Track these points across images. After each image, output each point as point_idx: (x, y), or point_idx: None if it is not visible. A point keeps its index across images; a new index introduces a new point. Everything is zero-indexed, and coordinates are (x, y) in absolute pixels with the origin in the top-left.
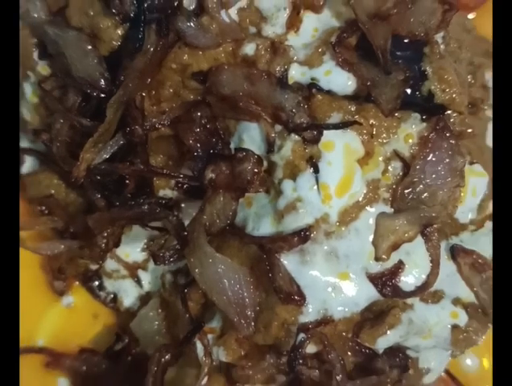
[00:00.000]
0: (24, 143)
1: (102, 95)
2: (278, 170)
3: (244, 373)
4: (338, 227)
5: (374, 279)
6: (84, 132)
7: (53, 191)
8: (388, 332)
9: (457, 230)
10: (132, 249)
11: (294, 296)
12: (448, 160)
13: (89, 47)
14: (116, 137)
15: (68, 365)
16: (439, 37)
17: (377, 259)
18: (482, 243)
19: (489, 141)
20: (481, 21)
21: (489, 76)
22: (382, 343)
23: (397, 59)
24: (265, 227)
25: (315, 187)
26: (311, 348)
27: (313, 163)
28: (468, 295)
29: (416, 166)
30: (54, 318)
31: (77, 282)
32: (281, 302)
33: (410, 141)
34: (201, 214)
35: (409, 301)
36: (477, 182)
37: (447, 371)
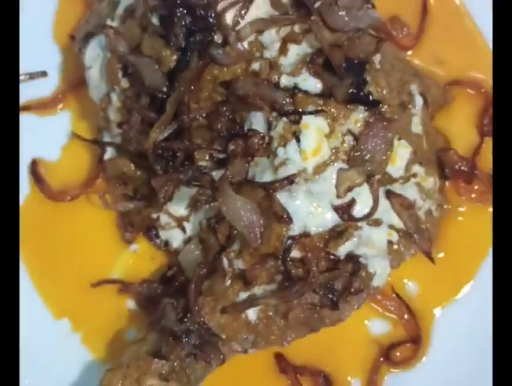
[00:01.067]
0: (107, 138)
1: (164, 96)
2: (274, 141)
3: (254, 273)
4: (313, 176)
5: (337, 209)
6: (150, 122)
7: (126, 170)
8: (346, 243)
9: (391, 182)
10: (179, 207)
11: (284, 218)
12: (381, 134)
13: (156, 67)
14: (172, 123)
15: (134, 290)
16: (376, 59)
17: (338, 196)
18: (408, 191)
19: (414, 127)
20: (415, 55)
21: (413, 87)
22: (342, 250)
23: (348, 71)
24: (266, 178)
25: (298, 151)
26: (296, 253)
27: (296, 136)
28: (398, 223)
29: (362, 139)
30: (124, 260)
31: (141, 234)
32: (277, 221)
33: (358, 124)
34: (226, 171)
35: (359, 224)
36: (403, 152)
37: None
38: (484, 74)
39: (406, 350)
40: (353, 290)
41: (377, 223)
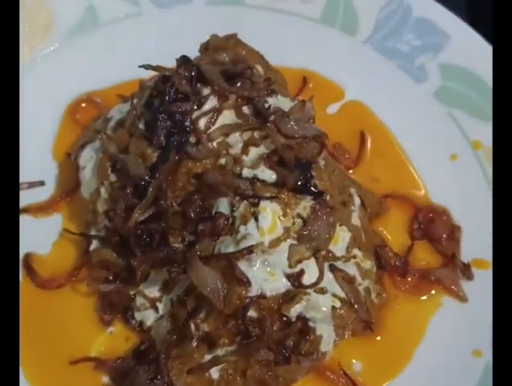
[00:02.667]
0: (93, 232)
1: (145, 184)
2: (236, 220)
3: (217, 333)
4: (268, 249)
5: (288, 277)
6: (133, 209)
7: (108, 257)
8: (296, 305)
9: (335, 259)
10: (153, 289)
11: (244, 281)
12: (325, 218)
13: (140, 161)
14: (151, 207)
15: (109, 366)
16: (321, 162)
17: (289, 267)
18: (349, 268)
19: (353, 220)
20: (353, 174)
21: (353, 190)
22: (293, 312)
23: (297, 167)
24: (229, 250)
25: (256, 228)
26: (253, 313)
27: (255, 216)
28: (340, 293)
29: (309, 221)
30: (101, 341)
31: (118, 317)
32: (237, 285)
33: (306, 210)
34: (196, 247)
35: (308, 291)
36: (344, 235)
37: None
38: (410, 190)
39: None
40: (303, 352)
41: (322, 291)
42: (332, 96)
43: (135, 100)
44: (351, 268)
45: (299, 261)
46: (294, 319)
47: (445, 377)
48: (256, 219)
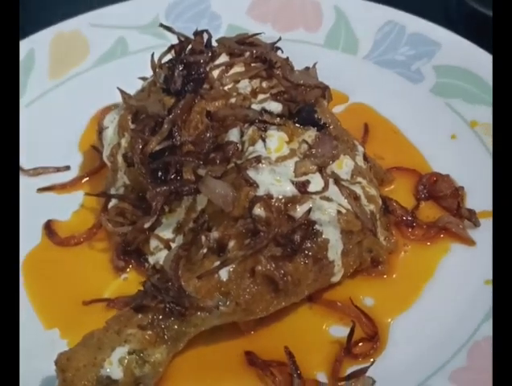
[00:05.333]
0: (113, 192)
1: (162, 120)
2: (245, 144)
3: (227, 235)
4: (275, 162)
5: (296, 185)
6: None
7: (125, 208)
8: (303, 205)
9: (338, 179)
10: (167, 232)
11: (251, 182)
12: (329, 141)
13: (159, 102)
14: (166, 141)
15: (121, 302)
16: (324, 103)
17: (295, 177)
18: (354, 188)
19: (358, 161)
20: None
21: (356, 142)
22: (300, 211)
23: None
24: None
25: (264, 148)
26: (261, 213)
27: (263, 138)
28: (346, 205)
29: (314, 145)
30: (115, 286)
31: (131, 262)
32: (245, 185)
33: (311, 138)
34: (207, 170)
35: (313, 196)
36: (348, 162)
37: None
38: (414, 165)
39: (366, 346)
40: (311, 253)
41: (328, 199)
42: (337, 100)
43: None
44: (356, 189)
45: (305, 173)
46: (300, 218)
47: (457, 305)
48: (264, 141)
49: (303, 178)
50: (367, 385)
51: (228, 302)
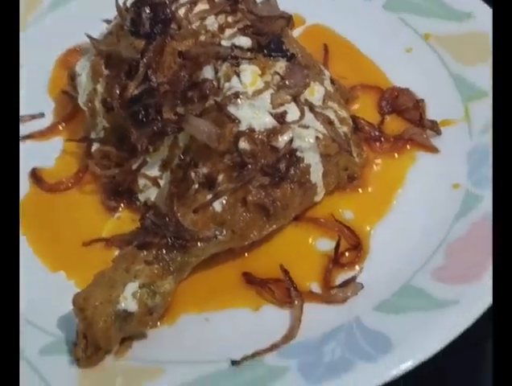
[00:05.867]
0: (93, 135)
1: (137, 64)
2: (221, 80)
3: (216, 170)
4: (253, 95)
5: (274, 116)
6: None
7: (109, 151)
8: (284, 135)
9: (313, 107)
10: (153, 170)
11: (234, 119)
12: (300, 70)
13: (130, 45)
14: (143, 84)
15: (119, 241)
16: (290, 32)
17: (273, 109)
18: (327, 113)
19: (326, 85)
20: None
21: (322, 67)
22: (282, 141)
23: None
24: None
25: (240, 83)
26: (246, 146)
27: (237, 74)
28: (322, 130)
29: (286, 75)
30: (110, 225)
31: (122, 201)
32: (228, 123)
33: (283, 69)
34: (188, 108)
35: (292, 126)
36: (319, 88)
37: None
38: (375, 81)
39: (351, 255)
40: (295, 179)
41: (305, 127)
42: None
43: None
44: (329, 114)
45: (281, 104)
46: (282, 148)
47: (429, 208)
48: (238, 76)
49: (281, 109)
50: (356, 290)
51: (224, 231)
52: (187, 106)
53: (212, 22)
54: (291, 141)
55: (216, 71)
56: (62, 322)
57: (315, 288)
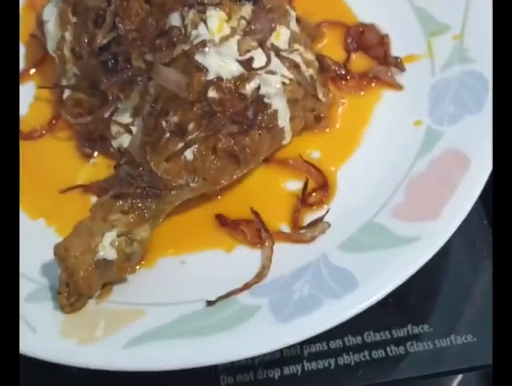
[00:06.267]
0: (64, 83)
1: (104, 12)
2: (188, 27)
3: (186, 119)
4: (219, 44)
5: (241, 62)
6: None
7: (81, 97)
8: (251, 83)
9: (280, 51)
10: (125, 117)
11: (201, 68)
12: (265, 15)
13: None
14: (111, 32)
15: (95, 187)
16: None
17: (240, 55)
18: (293, 57)
19: (292, 26)
20: None
21: (288, 7)
22: (249, 89)
23: None
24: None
25: (206, 30)
26: (214, 94)
27: (204, 21)
28: (289, 75)
29: (252, 20)
30: (86, 171)
31: (97, 148)
32: (196, 72)
33: (248, 13)
34: (156, 57)
35: (259, 72)
36: (284, 31)
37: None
38: (341, 17)
39: (318, 195)
40: (264, 125)
41: (272, 72)
42: None
43: None
44: (295, 57)
45: (248, 51)
46: (249, 95)
47: (392, 146)
48: (205, 23)
49: (247, 56)
50: (323, 229)
51: (196, 179)
52: (156, 54)
53: None
54: (259, 88)
55: (183, 19)
56: (45, 269)
57: (285, 228)
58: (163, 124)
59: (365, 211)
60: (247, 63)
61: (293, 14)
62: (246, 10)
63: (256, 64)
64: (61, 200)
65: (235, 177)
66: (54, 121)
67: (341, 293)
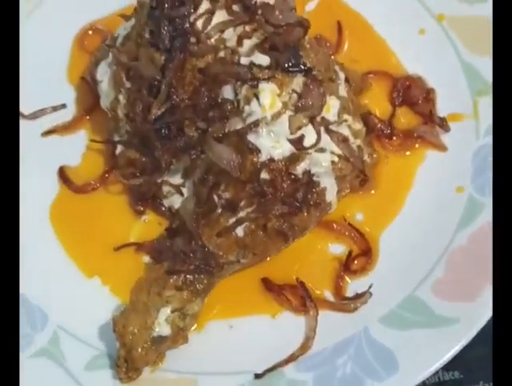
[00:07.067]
0: (116, 138)
1: (157, 83)
2: (241, 102)
3: (238, 197)
4: (271, 121)
5: (291, 142)
6: (150, 105)
7: (133, 157)
8: (301, 164)
9: (329, 124)
10: (176, 177)
11: (254, 149)
12: (316, 89)
13: (150, 64)
14: (166, 103)
15: (148, 247)
16: (306, 44)
17: (291, 133)
18: (341, 130)
19: (340, 92)
20: (337, 58)
21: (337, 68)
22: (300, 169)
23: (286, 49)
24: (238, 128)
25: (259, 106)
26: (266, 176)
27: (256, 96)
28: (337, 150)
29: (303, 94)
30: (137, 228)
31: (148, 206)
32: (249, 153)
33: (299, 85)
34: (210, 131)
35: (309, 151)
36: (334, 103)
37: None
38: (388, 66)
39: (361, 261)
40: (312, 203)
41: (322, 150)
42: None
43: (138, 14)
44: (344, 130)
45: (299, 128)
46: (300, 176)
47: (434, 214)
48: (257, 99)
49: (298, 134)
50: (366, 300)
51: (246, 254)
52: (209, 125)
53: (230, 36)
54: (310, 173)
55: (236, 93)
56: (102, 333)
57: (328, 294)
58: (215, 198)
59: (405, 283)
60: (298, 143)
61: (342, 76)
62: (298, 82)
63: (306, 143)
64: (115, 258)
65: (283, 249)
66: (107, 175)
67: (383, 376)
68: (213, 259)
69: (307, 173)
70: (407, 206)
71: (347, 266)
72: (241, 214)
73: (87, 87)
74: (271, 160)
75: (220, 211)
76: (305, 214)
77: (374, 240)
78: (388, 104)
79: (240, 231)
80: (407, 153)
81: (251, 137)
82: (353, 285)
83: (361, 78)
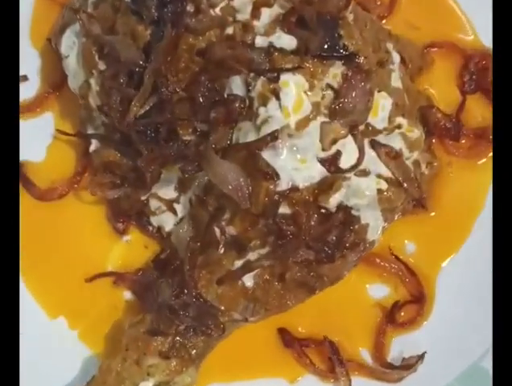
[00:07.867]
0: (91, 130)
1: (141, 70)
2: (254, 101)
3: (246, 236)
4: (296, 131)
5: (323, 161)
6: (130, 101)
7: (112, 158)
8: (335, 194)
9: (375, 133)
10: (168, 189)
11: (270, 174)
12: (361, 85)
13: (131, 42)
14: (151, 97)
15: (129, 280)
16: (349, 14)
17: (323, 149)
18: (393, 141)
19: (393, 82)
20: (388, 24)
21: (389, 45)
22: (333, 202)
23: (321, 26)
24: (250, 139)
25: (279, 108)
26: (286, 210)
27: (276, 94)
28: (386, 172)
29: (342, 92)
30: (117, 252)
31: (132, 223)
32: (263, 179)
33: (337, 78)
34: (210, 139)
35: (347, 175)
36: (384, 102)
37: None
38: (457, 35)
39: (410, 310)
40: (348, 245)
41: (364, 173)
42: None
43: None
44: (396, 141)
45: (334, 142)
46: (334, 210)
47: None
48: (277, 98)
49: (333, 150)
50: (415, 369)
51: (256, 309)
52: (209, 132)
53: (242, 3)
54: (346, 206)
55: (248, 87)
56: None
57: (365, 354)
58: (217, 232)
59: (469, 346)
60: (332, 163)
61: (396, 59)
62: (335, 73)
63: (344, 163)
64: (86, 292)
65: (306, 299)
66: (78, 177)
67: None
68: (211, 317)
69: (344, 207)
70: (475, 234)
71: (392, 317)
72: (251, 256)
73: (54, 53)
74: (294, 189)
75: (222, 249)
76: (339, 261)
77: (430, 280)
78: (456, 90)
79: (249, 279)
80: (479, 161)
81: (267, 155)
82: (397, 343)
83: (420, 53)
